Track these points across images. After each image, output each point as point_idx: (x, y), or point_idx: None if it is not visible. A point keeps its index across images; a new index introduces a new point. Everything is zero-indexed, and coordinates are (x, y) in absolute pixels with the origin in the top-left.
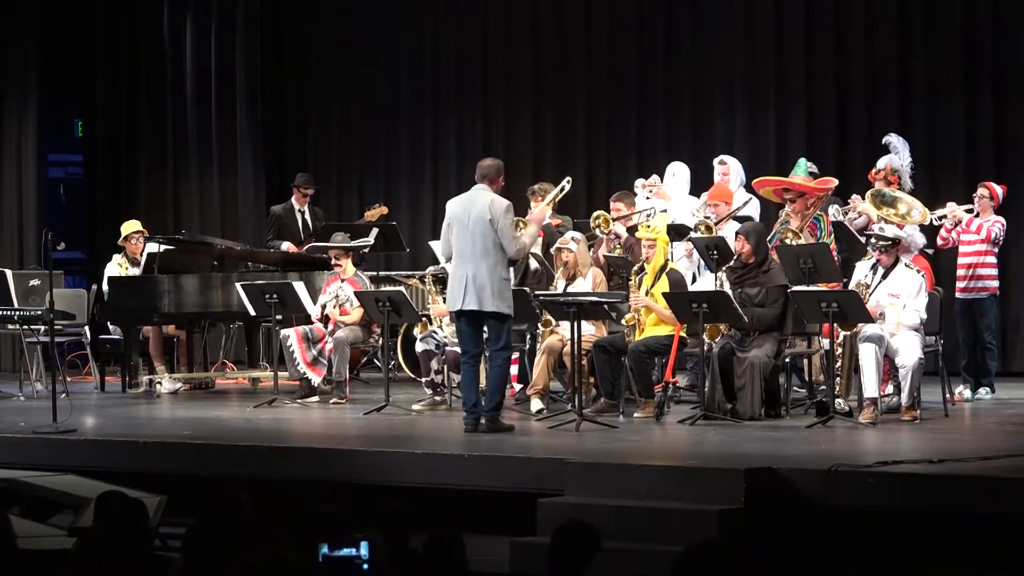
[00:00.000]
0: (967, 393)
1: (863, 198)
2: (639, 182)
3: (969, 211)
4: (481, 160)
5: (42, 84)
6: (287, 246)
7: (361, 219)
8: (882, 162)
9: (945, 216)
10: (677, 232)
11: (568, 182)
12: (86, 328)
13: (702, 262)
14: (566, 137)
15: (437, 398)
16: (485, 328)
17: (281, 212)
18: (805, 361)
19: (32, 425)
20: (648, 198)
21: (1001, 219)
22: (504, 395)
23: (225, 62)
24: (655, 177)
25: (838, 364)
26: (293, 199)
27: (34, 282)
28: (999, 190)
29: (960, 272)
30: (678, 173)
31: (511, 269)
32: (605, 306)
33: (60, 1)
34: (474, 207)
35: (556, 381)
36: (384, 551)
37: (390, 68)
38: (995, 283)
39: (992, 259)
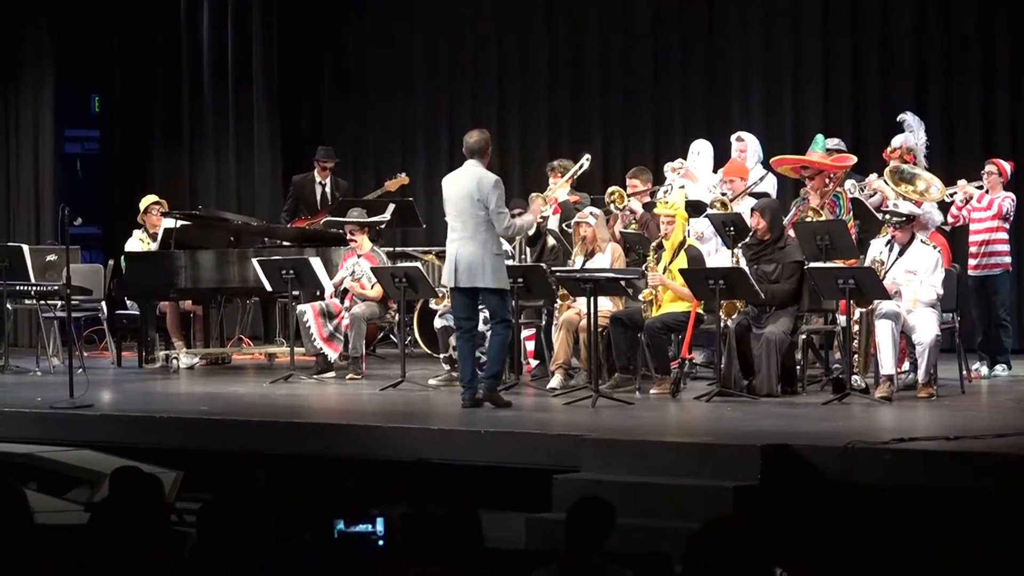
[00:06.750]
0: (984, 370)
1: (879, 175)
2: (668, 165)
3: (979, 188)
4: (468, 134)
5: (59, 59)
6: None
7: (381, 188)
8: (897, 140)
9: (955, 193)
10: (694, 208)
11: (587, 159)
12: (103, 303)
13: (717, 239)
14: (582, 115)
15: (454, 374)
16: (482, 304)
17: (301, 181)
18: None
19: (49, 400)
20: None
21: (1011, 195)
22: (504, 365)
23: (242, 37)
24: (680, 160)
25: (855, 341)
26: (315, 171)
27: (51, 257)
28: (1007, 166)
29: (972, 249)
30: (703, 151)
31: (503, 244)
32: (622, 282)
33: None
34: (464, 184)
35: (574, 357)
36: (401, 527)
37: (406, 44)
38: (1008, 259)
39: (1004, 235)
